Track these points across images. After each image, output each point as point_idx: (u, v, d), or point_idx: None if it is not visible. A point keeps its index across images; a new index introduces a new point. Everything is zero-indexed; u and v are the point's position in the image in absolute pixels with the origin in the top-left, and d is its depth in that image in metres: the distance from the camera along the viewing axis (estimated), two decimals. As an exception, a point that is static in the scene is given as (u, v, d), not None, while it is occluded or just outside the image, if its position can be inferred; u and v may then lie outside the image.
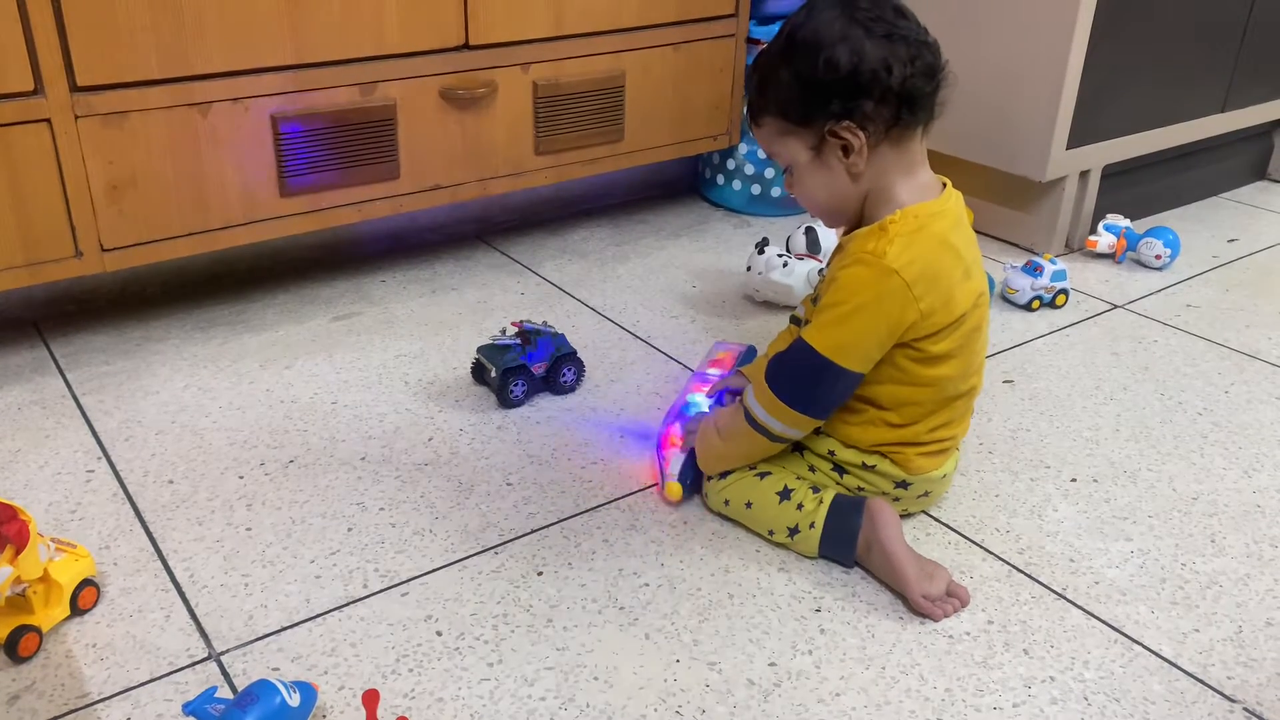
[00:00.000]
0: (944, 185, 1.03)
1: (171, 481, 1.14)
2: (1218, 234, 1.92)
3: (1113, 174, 1.84)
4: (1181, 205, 2.04)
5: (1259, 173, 2.22)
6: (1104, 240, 1.77)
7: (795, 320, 1.22)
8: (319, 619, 0.95)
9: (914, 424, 1.03)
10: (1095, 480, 1.18)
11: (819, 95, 0.95)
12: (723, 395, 1.17)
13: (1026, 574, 1.03)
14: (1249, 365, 1.45)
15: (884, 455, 1.05)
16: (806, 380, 0.99)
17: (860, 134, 0.95)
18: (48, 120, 1.24)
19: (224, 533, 1.06)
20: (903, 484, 1.06)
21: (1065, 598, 1.00)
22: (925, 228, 0.97)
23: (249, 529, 1.06)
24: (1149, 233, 1.75)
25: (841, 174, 0.99)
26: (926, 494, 1.09)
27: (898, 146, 0.97)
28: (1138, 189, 1.93)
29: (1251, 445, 1.26)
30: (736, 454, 1.06)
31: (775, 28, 1.79)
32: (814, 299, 1.11)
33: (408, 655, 0.91)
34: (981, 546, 1.07)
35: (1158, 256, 1.74)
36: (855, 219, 1.03)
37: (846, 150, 0.97)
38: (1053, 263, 1.59)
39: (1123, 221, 1.79)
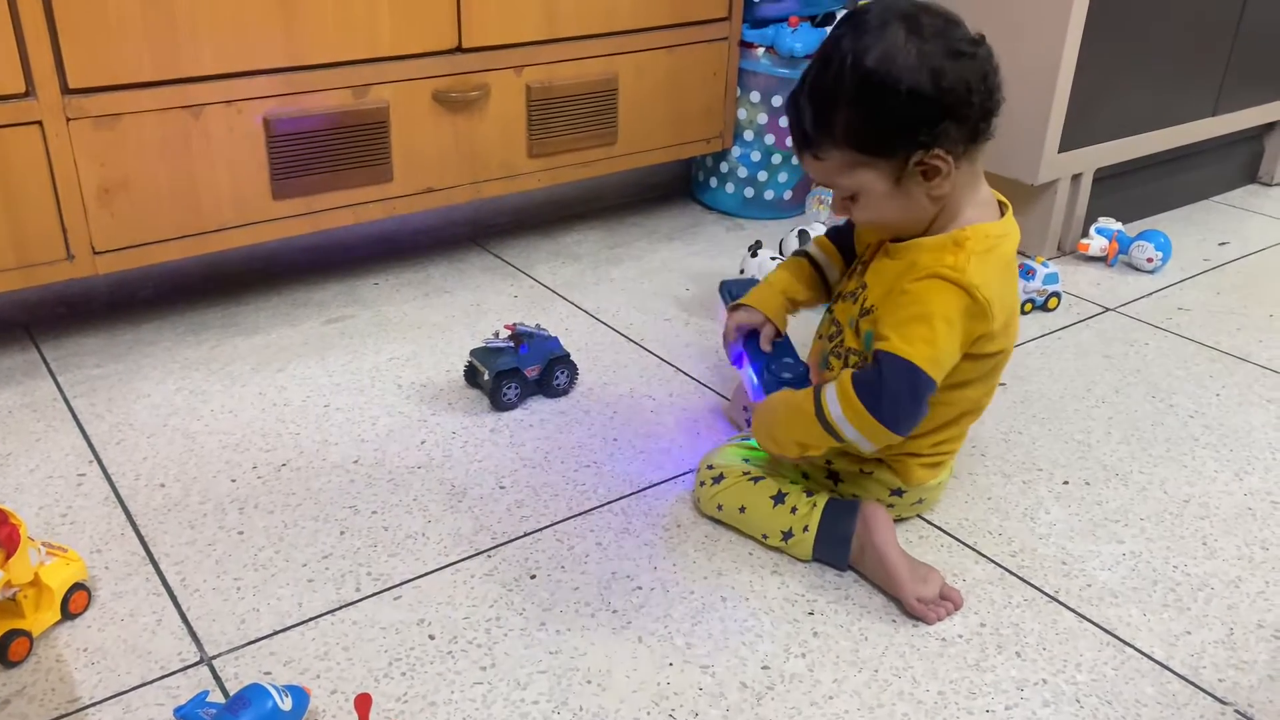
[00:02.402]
0: (1004, 207, 1.01)
1: (163, 485, 1.13)
2: (1209, 237, 1.92)
3: (1104, 177, 1.85)
4: (1173, 208, 2.05)
5: (1250, 176, 2.23)
6: (1096, 243, 1.77)
7: (803, 253, 1.16)
8: (311, 622, 0.94)
9: (920, 436, 1.03)
10: (1087, 483, 1.19)
11: (904, 126, 0.91)
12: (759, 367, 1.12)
13: (1019, 577, 1.03)
14: (1240, 368, 1.45)
15: (882, 462, 1.05)
16: (908, 398, 0.94)
17: (949, 159, 0.92)
18: (39, 122, 1.24)
19: (216, 536, 1.05)
20: (898, 491, 1.06)
21: (1057, 600, 1.00)
22: (995, 249, 0.96)
23: (241, 532, 1.06)
24: (1141, 236, 1.76)
25: (921, 197, 0.95)
26: (921, 500, 1.09)
27: (972, 162, 0.96)
28: (1129, 192, 1.94)
29: (1243, 448, 1.26)
30: (796, 436, 1.01)
31: (769, 31, 1.80)
32: (849, 295, 1.05)
33: (400, 659, 0.91)
34: (974, 549, 1.07)
35: (1149, 259, 1.74)
36: (916, 233, 1.00)
37: (928, 174, 0.93)
38: (1045, 266, 1.59)
39: (1114, 225, 1.79)
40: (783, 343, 1.13)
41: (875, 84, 0.90)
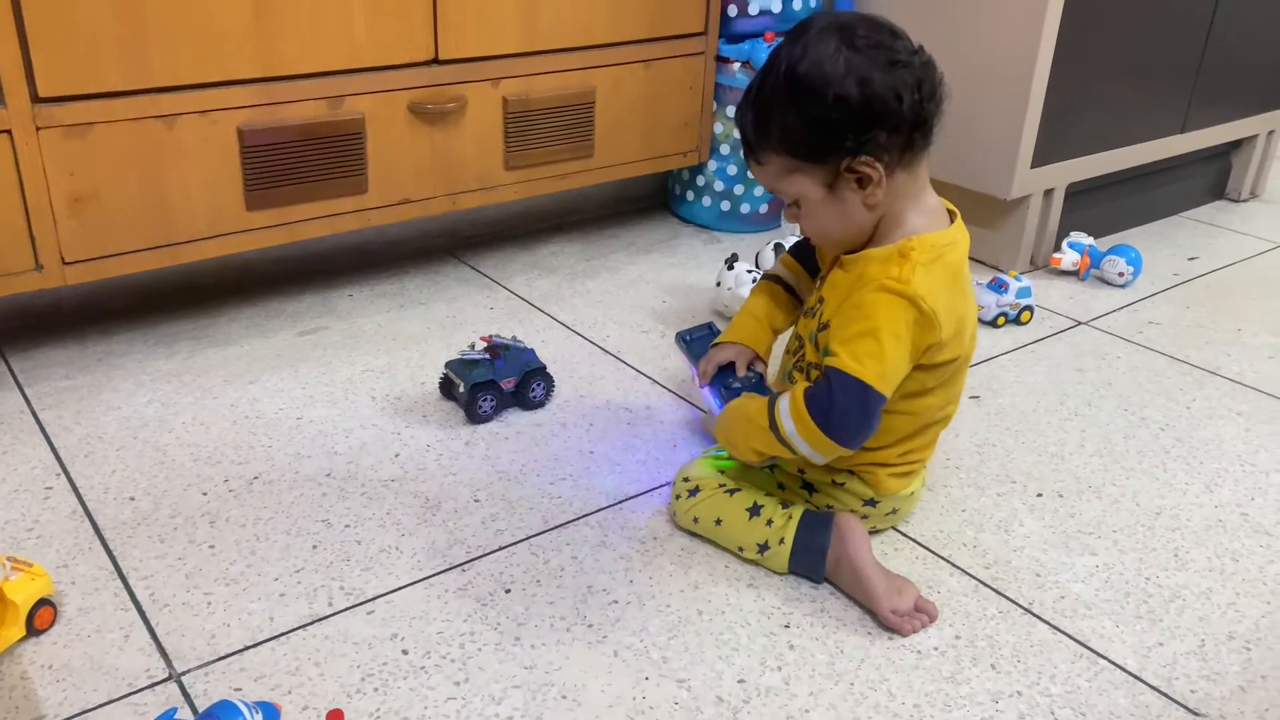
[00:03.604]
0: (953, 215, 1.02)
1: (132, 498, 1.12)
2: (1178, 252, 1.95)
3: (1076, 192, 1.87)
4: (1143, 224, 2.07)
5: (1217, 193, 2.26)
6: (1068, 257, 1.79)
7: (774, 278, 1.17)
8: (283, 638, 0.93)
9: (886, 447, 1.03)
10: (1060, 495, 1.19)
11: (831, 132, 0.92)
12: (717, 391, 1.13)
13: (993, 589, 1.04)
14: (1209, 381, 1.47)
15: (853, 473, 1.05)
16: (858, 415, 0.95)
17: (878, 167, 0.93)
18: (8, 131, 1.22)
19: (186, 550, 1.04)
20: (871, 502, 1.07)
21: (1031, 612, 1.01)
22: (942, 258, 0.96)
23: (212, 546, 1.05)
24: (1112, 250, 1.78)
25: (857, 206, 0.96)
26: (894, 511, 1.09)
27: (909, 171, 0.97)
28: (1101, 207, 1.96)
29: (1212, 460, 1.27)
30: (754, 445, 1.03)
31: (745, 46, 1.81)
32: (810, 310, 1.06)
33: (373, 674, 0.90)
34: (949, 561, 1.07)
35: (1120, 274, 1.76)
36: (861, 244, 1.01)
37: (862, 182, 0.94)
38: (1018, 280, 1.60)
39: (1086, 239, 1.81)
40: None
41: (804, 90, 0.92)
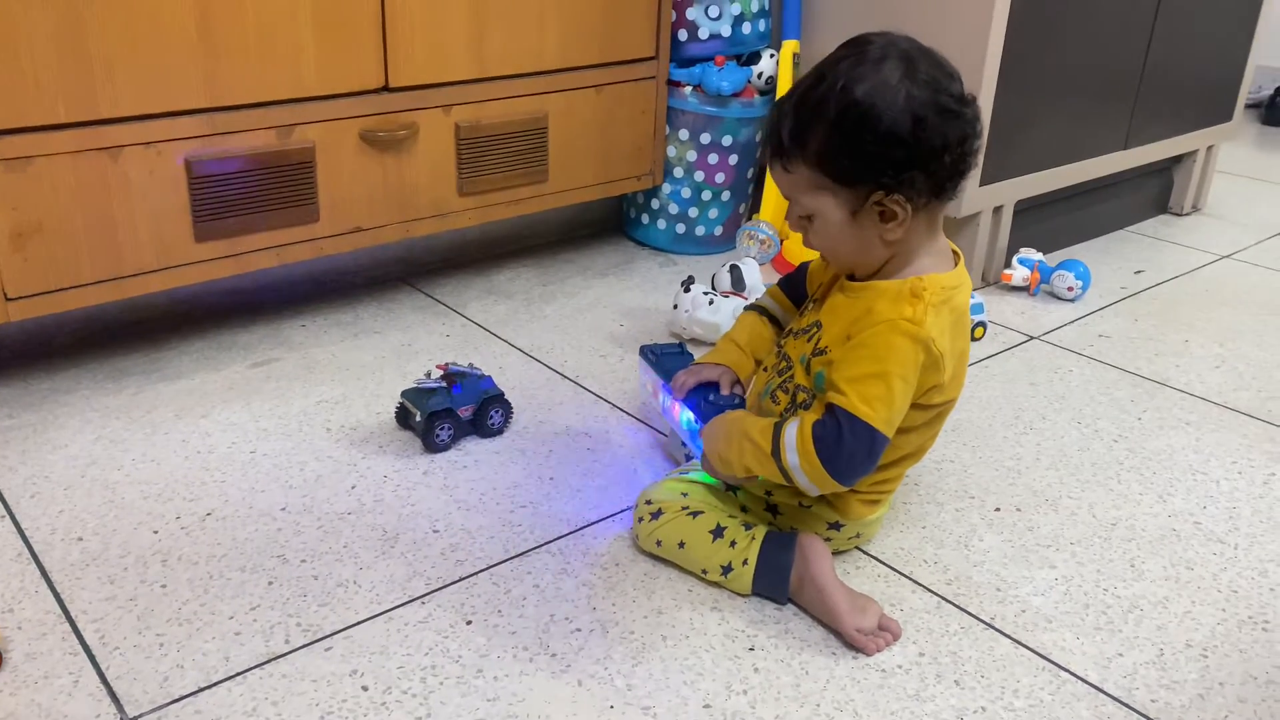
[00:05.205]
0: (957, 258, 1.02)
1: (81, 539, 1.09)
2: (1125, 266, 1.99)
3: (1024, 209, 1.90)
4: (1090, 238, 2.11)
5: (1161, 207, 2.31)
6: (1018, 273, 1.82)
7: (759, 308, 1.17)
8: (239, 678, 0.91)
9: None
10: (1018, 509, 1.20)
11: (873, 164, 0.91)
12: (697, 404, 1.12)
13: (955, 604, 1.04)
14: (1159, 392, 1.50)
15: (822, 497, 1.05)
16: (864, 457, 0.95)
17: (906, 207, 0.93)
18: (-53, 166, 1.20)
19: (137, 590, 1.01)
20: (835, 525, 1.07)
21: (994, 627, 1.01)
22: (949, 300, 0.97)
23: (164, 585, 1.02)
24: (1061, 266, 1.81)
25: (874, 238, 0.96)
26: (858, 534, 1.09)
27: (930, 214, 0.97)
28: (1049, 223, 1.99)
29: (1164, 470, 1.29)
30: (748, 464, 1.01)
31: (696, 70, 1.83)
32: (802, 332, 1.05)
33: (333, 712, 0.88)
34: (910, 578, 1.08)
35: (1070, 289, 1.79)
36: (866, 273, 1.01)
37: (885, 217, 0.94)
38: (970, 296, 1.62)
39: (1035, 255, 1.84)
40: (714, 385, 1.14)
41: (857, 114, 0.91)
